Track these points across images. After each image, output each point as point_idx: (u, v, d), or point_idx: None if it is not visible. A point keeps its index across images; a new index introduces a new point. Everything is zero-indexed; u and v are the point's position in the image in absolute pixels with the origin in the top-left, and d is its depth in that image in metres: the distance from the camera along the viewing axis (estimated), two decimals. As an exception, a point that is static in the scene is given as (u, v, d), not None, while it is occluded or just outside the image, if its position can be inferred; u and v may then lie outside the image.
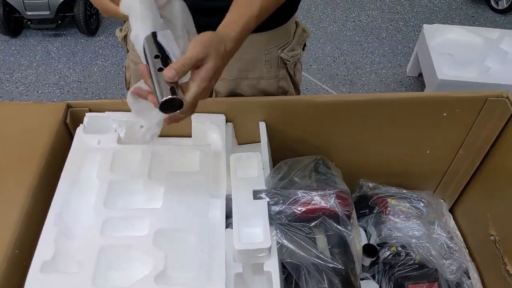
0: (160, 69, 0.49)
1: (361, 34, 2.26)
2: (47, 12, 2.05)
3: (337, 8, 2.44)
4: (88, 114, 0.75)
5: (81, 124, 0.75)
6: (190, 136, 0.79)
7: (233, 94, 0.86)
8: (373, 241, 0.89)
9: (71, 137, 0.74)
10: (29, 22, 2.10)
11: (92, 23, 2.21)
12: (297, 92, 0.92)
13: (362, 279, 0.85)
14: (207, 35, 0.53)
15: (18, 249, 0.58)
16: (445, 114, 0.84)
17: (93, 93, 1.92)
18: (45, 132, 0.71)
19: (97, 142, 0.72)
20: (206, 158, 0.72)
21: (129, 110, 0.58)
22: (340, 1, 2.48)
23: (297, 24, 0.87)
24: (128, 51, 0.90)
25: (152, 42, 0.52)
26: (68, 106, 0.75)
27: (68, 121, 0.74)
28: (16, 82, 1.95)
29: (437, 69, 1.68)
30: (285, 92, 0.88)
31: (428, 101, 0.83)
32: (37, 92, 1.90)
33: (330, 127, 0.87)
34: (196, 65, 0.52)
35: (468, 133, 0.90)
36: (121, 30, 0.89)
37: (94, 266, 0.58)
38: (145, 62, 0.52)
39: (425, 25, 1.88)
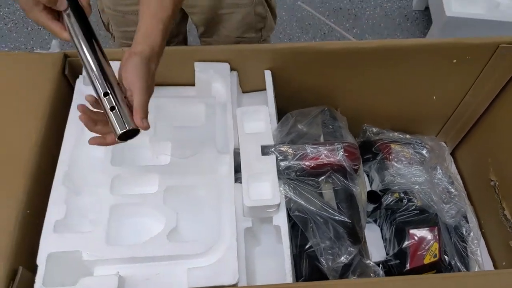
0: (112, 108, 0.49)
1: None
2: None
3: None
4: (87, 65, 0.72)
5: (80, 75, 0.71)
6: (193, 85, 0.76)
7: (211, 25, 0.87)
8: (376, 186, 0.91)
9: (71, 88, 0.71)
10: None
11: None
12: (274, 17, 0.92)
13: (364, 223, 0.88)
14: (136, 66, 0.50)
15: (29, 208, 0.58)
16: (455, 61, 0.82)
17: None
18: (44, 85, 0.68)
19: (99, 96, 0.70)
20: (212, 111, 0.70)
21: None
22: None
23: None
24: None
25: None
26: (66, 56, 0.72)
27: (66, 72, 0.71)
28: (4, 18, 1.84)
29: (446, 5, 1.59)
30: (263, 19, 0.88)
31: (438, 48, 0.80)
32: (27, 29, 1.80)
33: (337, 74, 0.84)
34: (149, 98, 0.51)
35: (476, 79, 0.88)
36: None
37: (106, 225, 0.59)
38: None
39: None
